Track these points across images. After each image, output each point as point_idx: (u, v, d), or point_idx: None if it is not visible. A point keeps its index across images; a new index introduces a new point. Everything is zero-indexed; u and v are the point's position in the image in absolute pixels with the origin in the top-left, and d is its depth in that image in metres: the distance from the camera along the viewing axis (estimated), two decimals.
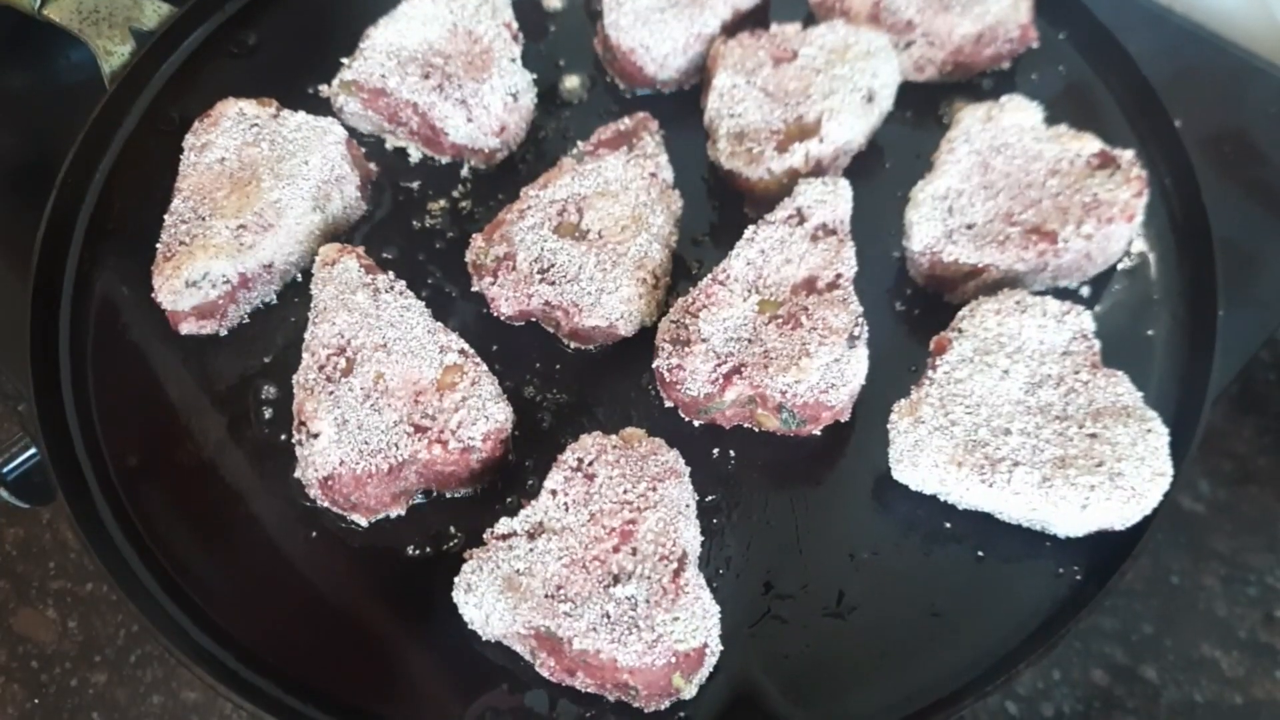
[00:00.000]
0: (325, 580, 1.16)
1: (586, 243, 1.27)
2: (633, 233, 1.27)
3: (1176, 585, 1.31)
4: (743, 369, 1.17)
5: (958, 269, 1.26)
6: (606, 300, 1.23)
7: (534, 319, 1.30)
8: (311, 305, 1.23)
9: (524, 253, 1.26)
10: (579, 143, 1.36)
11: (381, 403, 1.16)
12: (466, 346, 1.21)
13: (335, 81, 1.42)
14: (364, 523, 1.18)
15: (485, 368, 1.20)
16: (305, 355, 1.20)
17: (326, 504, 1.17)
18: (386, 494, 1.16)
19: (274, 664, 1.12)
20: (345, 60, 1.43)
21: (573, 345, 1.29)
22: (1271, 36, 1.58)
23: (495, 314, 1.29)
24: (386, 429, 1.14)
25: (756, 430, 1.22)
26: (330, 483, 1.14)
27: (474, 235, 1.30)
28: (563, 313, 1.25)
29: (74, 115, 1.43)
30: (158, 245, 1.28)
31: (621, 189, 1.30)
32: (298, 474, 1.18)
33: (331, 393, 1.16)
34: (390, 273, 1.26)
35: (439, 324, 1.23)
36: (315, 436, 1.14)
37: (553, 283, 1.24)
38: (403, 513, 1.18)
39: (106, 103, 1.43)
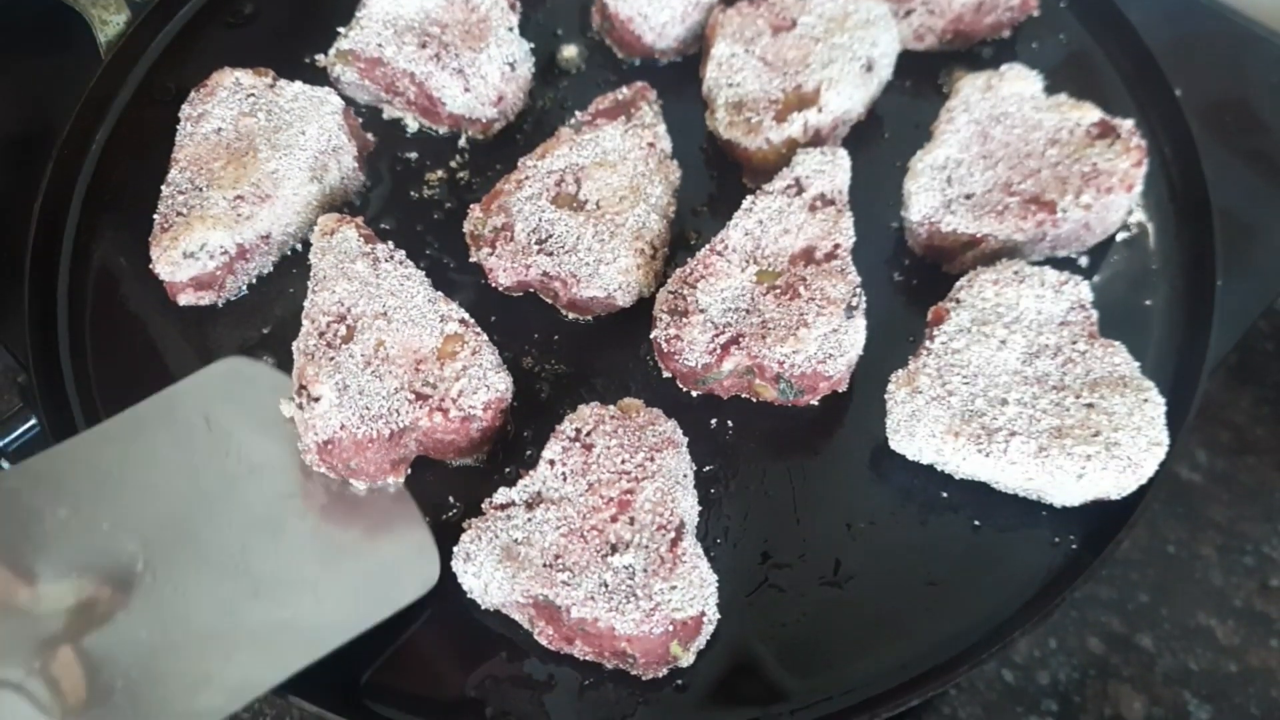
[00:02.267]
0: None
1: (584, 213, 1.26)
2: (631, 203, 1.26)
3: (1173, 555, 1.31)
4: (740, 339, 1.17)
5: (956, 239, 1.25)
6: (604, 271, 1.23)
7: (532, 290, 1.30)
8: (311, 274, 1.23)
9: (522, 223, 1.26)
10: (577, 113, 1.35)
11: (382, 370, 1.16)
12: (467, 316, 1.21)
13: (332, 51, 1.42)
14: (362, 489, 1.17)
15: (486, 337, 1.20)
16: (305, 322, 1.19)
17: (324, 469, 1.17)
18: (386, 460, 1.16)
19: None
20: (342, 29, 1.42)
21: (571, 316, 1.29)
22: (1273, 5, 1.57)
23: (493, 285, 1.28)
24: (388, 395, 1.14)
25: (754, 400, 1.22)
26: (330, 447, 1.13)
27: (471, 206, 1.30)
28: (560, 283, 1.25)
29: (70, 86, 1.42)
30: (155, 216, 1.28)
31: (619, 159, 1.30)
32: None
33: (332, 358, 1.15)
34: (389, 242, 1.26)
35: (439, 294, 1.22)
36: (316, 400, 1.13)
37: (550, 253, 1.24)
38: (400, 481, 1.18)
39: (102, 73, 1.43)
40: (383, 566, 1.10)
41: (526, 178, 1.29)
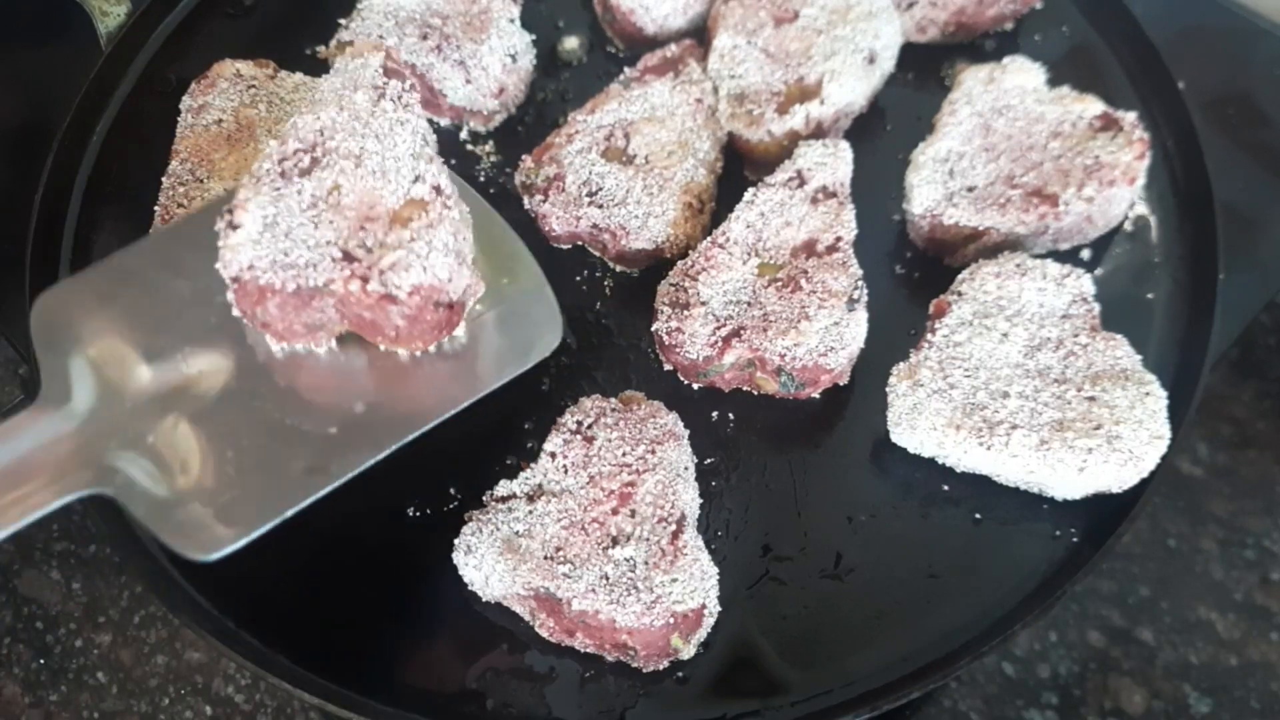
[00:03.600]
0: (325, 541, 1.17)
1: (633, 168, 1.28)
2: (679, 158, 1.29)
3: (1174, 548, 1.31)
4: (742, 332, 1.17)
5: (958, 232, 1.25)
6: (653, 224, 1.25)
7: (581, 241, 1.31)
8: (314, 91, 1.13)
9: (573, 175, 1.28)
10: (625, 69, 1.38)
11: (324, 217, 1.01)
12: (447, 185, 1.05)
13: (333, 42, 1.41)
14: (278, 349, 1.08)
15: (456, 215, 1.04)
16: (272, 142, 1.06)
17: (239, 313, 1.07)
18: (296, 320, 1.04)
19: (275, 625, 1.12)
20: (342, 21, 1.41)
21: (618, 269, 1.31)
22: None
23: (546, 234, 1.30)
24: (313, 246, 1.00)
25: (755, 393, 1.22)
26: (237, 286, 1.02)
27: (523, 157, 1.32)
28: (610, 235, 1.27)
29: (70, 77, 1.42)
30: (156, 208, 1.28)
31: (668, 115, 1.32)
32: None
33: (277, 189, 1.01)
34: (412, 83, 1.11)
35: (430, 153, 1.07)
36: (235, 229, 1.00)
37: (600, 206, 1.26)
38: (322, 351, 1.09)
39: (103, 64, 1.42)
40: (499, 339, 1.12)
41: (576, 132, 1.31)
